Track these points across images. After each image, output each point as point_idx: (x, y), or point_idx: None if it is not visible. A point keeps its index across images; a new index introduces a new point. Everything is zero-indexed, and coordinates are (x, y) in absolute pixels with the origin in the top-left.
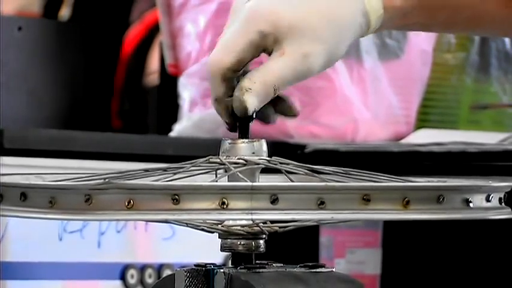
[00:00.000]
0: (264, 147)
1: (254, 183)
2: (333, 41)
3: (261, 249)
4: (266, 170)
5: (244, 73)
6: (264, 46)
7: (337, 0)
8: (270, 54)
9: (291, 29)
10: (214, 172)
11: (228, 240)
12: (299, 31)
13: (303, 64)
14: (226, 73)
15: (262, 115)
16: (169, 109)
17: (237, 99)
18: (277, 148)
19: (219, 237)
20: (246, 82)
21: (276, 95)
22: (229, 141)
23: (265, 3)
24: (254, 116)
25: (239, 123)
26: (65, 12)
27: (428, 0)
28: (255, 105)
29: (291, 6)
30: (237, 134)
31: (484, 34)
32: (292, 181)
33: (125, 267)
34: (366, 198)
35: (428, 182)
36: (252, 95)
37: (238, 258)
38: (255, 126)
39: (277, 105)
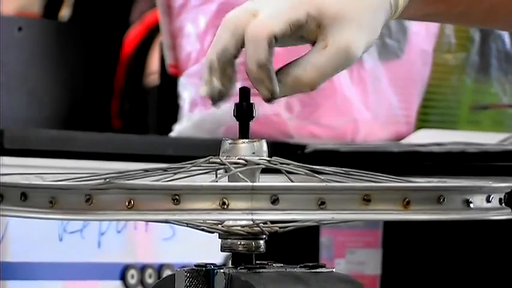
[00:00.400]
0: (264, 147)
1: (254, 184)
2: (371, 26)
3: (261, 250)
4: (266, 170)
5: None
6: (306, 31)
7: None
8: (312, 43)
9: (335, 17)
10: (214, 172)
11: (228, 240)
12: (342, 20)
13: (346, 55)
14: (272, 40)
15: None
16: (170, 109)
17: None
18: (278, 148)
19: (219, 238)
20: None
21: (311, 91)
22: (230, 141)
23: None
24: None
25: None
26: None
27: None
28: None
29: None
30: (237, 134)
31: (499, 28)
32: (292, 181)
33: (125, 268)
34: (367, 198)
35: (428, 182)
36: (282, 87)
37: (238, 258)
38: (255, 126)
39: None
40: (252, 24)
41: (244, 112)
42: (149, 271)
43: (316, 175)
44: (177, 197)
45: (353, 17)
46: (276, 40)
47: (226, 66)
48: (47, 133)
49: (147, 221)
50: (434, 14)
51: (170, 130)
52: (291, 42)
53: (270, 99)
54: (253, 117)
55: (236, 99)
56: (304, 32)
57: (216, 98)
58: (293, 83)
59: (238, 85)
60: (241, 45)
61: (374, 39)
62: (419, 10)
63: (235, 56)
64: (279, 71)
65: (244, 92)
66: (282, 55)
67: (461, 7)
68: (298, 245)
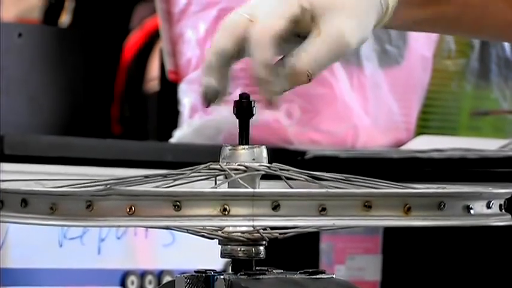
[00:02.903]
0: (264, 153)
1: (256, 190)
2: (363, 18)
3: (261, 256)
4: (266, 177)
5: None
6: (302, 24)
7: None
8: (303, 38)
9: (326, 6)
10: (214, 178)
11: (228, 246)
12: (334, 8)
13: (340, 43)
14: (277, 38)
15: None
16: (170, 115)
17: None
18: (278, 154)
19: (219, 244)
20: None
21: (309, 82)
22: (230, 147)
23: None
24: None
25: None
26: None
27: None
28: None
29: None
30: (237, 140)
31: (488, 37)
32: (291, 187)
33: (125, 274)
34: (367, 204)
35: (428, 188)
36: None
37: (238, 264)
38: (255, 132)
39: None
40: (255, 27)
41: (244, 109)
42: (149, 277)
43: (316, 181)
44: (178, 203)
45: (345, 6)
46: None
47: (223, 67)
48: (47, 139)
49: (148, 227)
50: (425, 21)
51: (170, 136)
52: (289, 45)
53: (271, 103)
54: (253, 114)
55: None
56: (301, 27)
57: (211, 98)
58: (289, 74)
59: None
60: (239, 47)
61: (368, 34)
62: (409, 16)
63: (233, 58)
64: (275, 65)
65: (245, 91)
66: None
67: (450, 15)
68: (298, 251)
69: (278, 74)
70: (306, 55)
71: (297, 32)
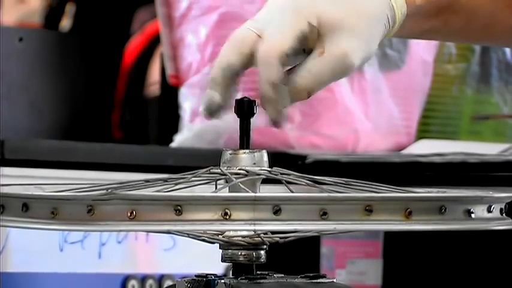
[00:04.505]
0: (265, 157)
1: (257, 194)
2: (369, 37)
3: (262, 260)
4: (267, 181)
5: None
6: (309, 40)
7: None
8: (308, 53)
9: (332, 26)
10: (214, 183)
11: (229, 250)
12: (339, 28)
13: (342, 62)
14: (284, 58)
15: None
16: (170, 120)
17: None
18: (278, 159)
19: (220, 248)
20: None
21: (308, 98)
22: (230, 151)
23: None
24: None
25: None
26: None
27: (446, 3)
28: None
29: (330, 3)
30: (237, 145)
31: (495, 44)
32: (292, 192)
33: (126, 278)
34: (368, 209)
35: (429, 192)
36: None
37: (239, 268)
38: (256, 136)
39: None
40: (262, 45)
41: (245, 109)
42: (150, 282)
43: (317, 185)
44: (179, 207)
45: (351, 26)
46: (287, 56)
47: (228, 81)
48: (47, 143)
49: (149, 231)
50: (432, 31)
51: (171, 140)
52: (295, 59)
53: (277, 121)
54: (254, 113)
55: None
56: (306, 43)
57: (213, 112)
58: (290, 90)
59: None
60: (246, 62)
61: (372, 52)
62: (417, 27)
63: (238, 74)
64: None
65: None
66: None
67: (458, 24)
68: (298, 256)
69: (286, 92)
70: (308, 74)
71: (303, 48)
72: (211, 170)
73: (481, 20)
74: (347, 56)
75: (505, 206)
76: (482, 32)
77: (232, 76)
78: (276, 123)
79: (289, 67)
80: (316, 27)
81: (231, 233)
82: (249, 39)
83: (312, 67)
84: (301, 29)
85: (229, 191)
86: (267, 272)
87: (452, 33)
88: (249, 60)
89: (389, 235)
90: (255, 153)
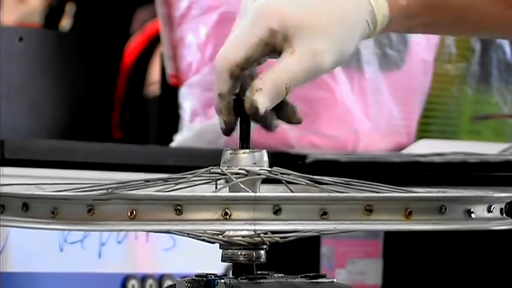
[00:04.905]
0: (265, 157)
1: (257, 194)
2: (342, 39)
3: (262, 260)
4: (267, 181)
5: (251, 74)
6: (273, 44)
7: None
8: (279, 54)
9: (300, 27)
10: (214, 182)
11: (229, 250)
12: (308, 29)
13: (314, 62)
14: (233, 69)
15: (265, 121)
16: (170, 119)
17: (248, 99)
18: (278, 158)
19: (220, 248)
20: (257, 82)
21: (286, 95)
22: (230, 151)
23: (274, 1)
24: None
25: (242, 124)
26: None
27: (433, 1)
28: (266, 105)
29: (299, 4)
30: (238, 144)
31: (487, 36)
32: (292, 191)
33: (126, 278)
34: (368, 208)
35: (429, 192)
36: (262, 94)
37: (239, 268)
38: (256, 136)
39: (281, 111)
40: (216, 59)
41: (244, 107)
42: (150, 281)
43: (317, 185)
44: (179, 207)
45: (320, 27)
46: (243, 67)
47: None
48: (47, 143)
49: (149, 231)
50: (420, 26)
51: (171, 140)
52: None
53: (226, 130)
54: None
55: None
56: (276, 46)
57: (227, 131)
58: (269, 88)
59: None
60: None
61: (347, 54)
62: (404, 24)
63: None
64: (258, 79)
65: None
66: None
67: (448, 18)
68: (298, 255)
69: (261, 87)
70: (281, 72)
71: (272, 49)
72: (211, 170)
73: (471, 15)
74: (316, 55)
75: (505, 206)
76: (473, 24)
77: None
78: (225, 131)
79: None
80: (279, 32)
81: (231, 233)
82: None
83: (285, 66)
84: (259, 36)
85: (230, 191)
86: (267, 272)
87: (440, 29)
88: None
89: (389, 235)
90: (255, 153)
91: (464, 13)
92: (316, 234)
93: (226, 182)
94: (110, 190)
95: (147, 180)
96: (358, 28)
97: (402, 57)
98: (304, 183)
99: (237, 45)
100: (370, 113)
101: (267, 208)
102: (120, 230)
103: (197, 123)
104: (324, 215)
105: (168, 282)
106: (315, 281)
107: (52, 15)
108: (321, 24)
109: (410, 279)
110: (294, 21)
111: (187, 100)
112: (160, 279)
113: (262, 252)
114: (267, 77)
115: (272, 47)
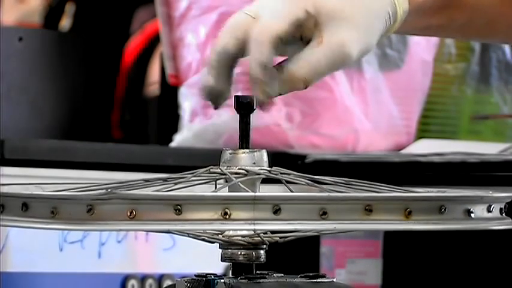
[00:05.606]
0: (265, 157)
1: (257, 194)
2: (368, 30)
3: (262, 260)
4: (266, 180)
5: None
6: (305, 28)
7: None
8: (306, 42)
9: (331, 15)
10: (214, 182)
11: (229, 250)
12: (338, 18)
13: (339, 53)
14: (277, 39)
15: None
16: (170, 119)
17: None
18: (278, 158)
19: (219, 248)
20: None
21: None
22: (230, 151)
23: None
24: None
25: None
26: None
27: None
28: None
29: None
30: (237, 144)
31: (499, 41)
32: (291, 191)
33: (126, 278)
34: (368, 208)
35: (428, 192)
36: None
37: (238, 268)
38: (255, 136)
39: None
40: (256, 27)
41: (244, 104)
42: (149, 281)
43: (317, 185)
44: (179, 207)
45: (350, 17)
46: (281, 41)
47: (225, 66)
48: (47, 143)
49: (149, 231)
50: (435, 27)
51: (170, 140)
52: (292, 47)
53: (263, 103)
54: (254, 109)
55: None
56: (303, 31)
57: (212, 98)
58: (287, 79)
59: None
60: (241, 47)
61: (371, 45)
62: (419, 23)
63: (236, 57)
64: (274, 67)
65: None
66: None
67: (462, 20)
68: (298, 255)
69: (276, 77)
70: (305, 63)
71: (299, 35)
72: (211, 170)
73: (485, 16)
74: (345, 45)
75: (505, 206)
76: (486, 28)
77: (228, 61)
78: (262, 105)
79: (286, 57)
80: (313, 16)
81: (231, 233)
82: (244, 23)
83: (310, 56)
84: (296, 15)
85: (229, 191)
86: (266, 272)
87: (455, 30)
88: (245, 44)
89: (389, 235)
90: (255, 153)
91: (479, 13)
92: (316, 234)
93: (226, 181)
94: (109, 190)
95: (146, 180)
96: (381, 21)
97: (402, 57)
98: (304, 183)
99: (279, 19)
100: (370, 113)
101: (266, 208)
102: (120, 230)
103: (197, 123)
104: (323, 214)
105: (168, 282)
106: (315, 280)
107: (52, 15)
108: (350, 14)
109: (410, 279)
110: (326, 7)
111: (187, 100)
112: (160, 279)
113: (262, 252)
114: (286, 68)
115: (300, 34)
